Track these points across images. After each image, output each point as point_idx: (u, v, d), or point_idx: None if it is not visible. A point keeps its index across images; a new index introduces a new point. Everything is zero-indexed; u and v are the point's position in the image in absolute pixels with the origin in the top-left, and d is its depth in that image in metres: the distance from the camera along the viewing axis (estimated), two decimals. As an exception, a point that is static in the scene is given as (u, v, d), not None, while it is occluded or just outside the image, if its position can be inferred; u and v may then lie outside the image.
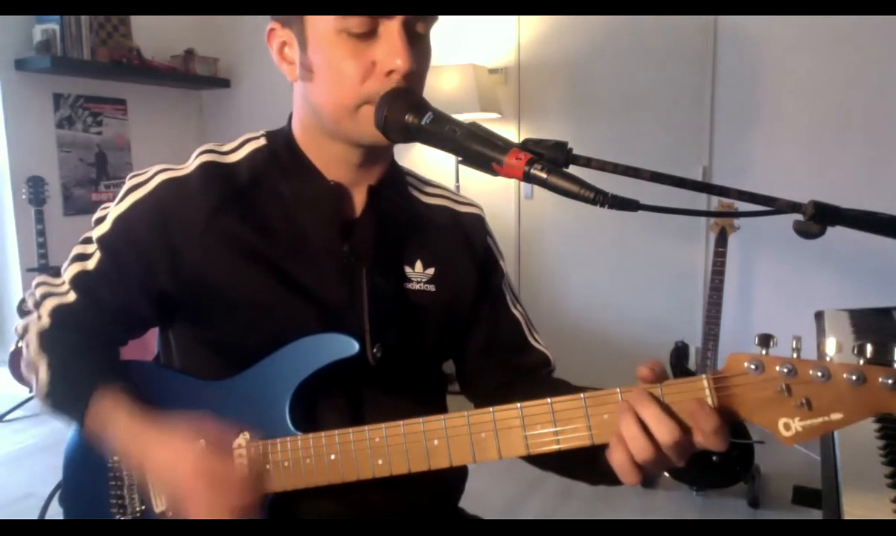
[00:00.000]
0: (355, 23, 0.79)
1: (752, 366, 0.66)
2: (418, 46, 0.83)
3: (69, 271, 0.93)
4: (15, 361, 3.33)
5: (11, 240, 3.57)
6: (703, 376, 0.68)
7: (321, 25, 0.81)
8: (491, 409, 0.74)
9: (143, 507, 0.90)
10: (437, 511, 1.00)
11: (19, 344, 0.97)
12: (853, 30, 2.85)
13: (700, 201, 3.06)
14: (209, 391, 0.89)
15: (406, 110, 0.78)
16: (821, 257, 3.00)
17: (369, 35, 0.80)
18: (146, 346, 1.01)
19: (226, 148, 0.94)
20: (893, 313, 1.68)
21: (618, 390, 0.70)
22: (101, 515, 0.92)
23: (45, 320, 0.94)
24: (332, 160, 0.90)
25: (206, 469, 0.79)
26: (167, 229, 0.88)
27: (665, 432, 0.67)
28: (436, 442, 0.76)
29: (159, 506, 0.89)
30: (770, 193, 0.68)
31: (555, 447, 0.71)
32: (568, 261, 3.60)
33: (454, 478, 1.03)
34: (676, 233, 3.33)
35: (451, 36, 3.61)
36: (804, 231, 0.67)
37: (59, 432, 3.16)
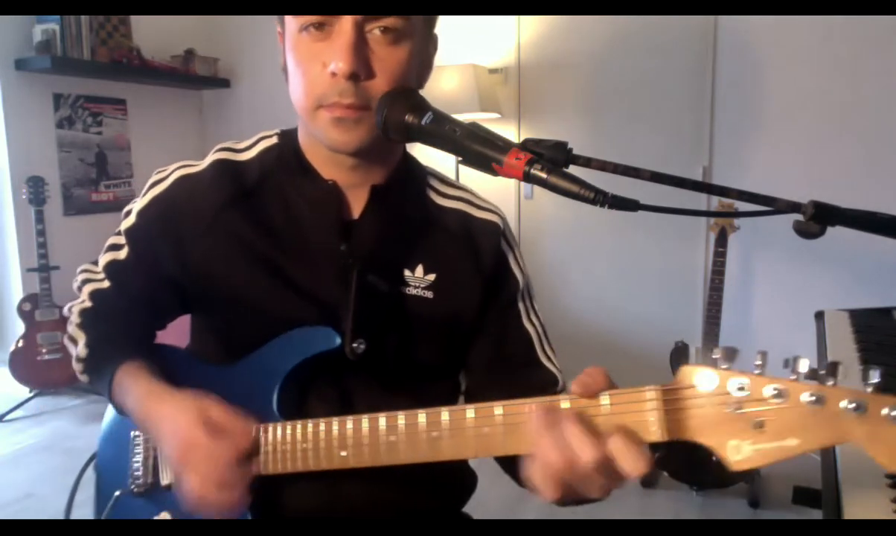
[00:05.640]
0: (310, 21, 0.80)
1: (704, 380, 0.61)
2: (382, 52, 0.81)
3: (103, 260, 0.99)
4: (15, 361, 3.34)
5: (11, 240, 3.57)
6: (651, 388, 0.62)
7: (291, 26, 0.84)
8: (447, 409, 0.73)
9: (153, 480, 0.95)
10: (435, 512, 1.00)
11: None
12: (853, 30, 2.85)
13: (700, 200, 3.06)
14: (212, 375, 0.94)
15: (406, 110, 0.78)
16: (821, 257, 3.00)
17: (325, 36, 0.81)
18: (184, 331, 1.06)
19: (241, 146, 0.97)
20: (893, 313, 1.68)
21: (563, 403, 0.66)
22: (122, 482, 0.98)
23: (87, 302, 1.00)
24: (327, 161, 0.91)
25: (205, 427, 0.81)
26: (177, 223, 0.92)
27: (586, 449, 0.62)
28: (392, 439, 0.76)
29: (165, 479, 0.94)
30: (770, 193, 0.68)
31: (502, 450, 0.70)
32: (568, 261, 3.60)
33: (458, 483, 1.03)
34: (676, 233, 3.33)
35: (451, 36, 3.61)
36: (804, 231, 0.66)
37: (59, 432, 3.17)
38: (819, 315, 1.68)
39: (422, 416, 0.74)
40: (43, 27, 3.46)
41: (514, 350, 0.97)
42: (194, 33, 4.25)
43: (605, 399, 0.64)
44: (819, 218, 0.65)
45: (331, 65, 0.80)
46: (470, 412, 0.71)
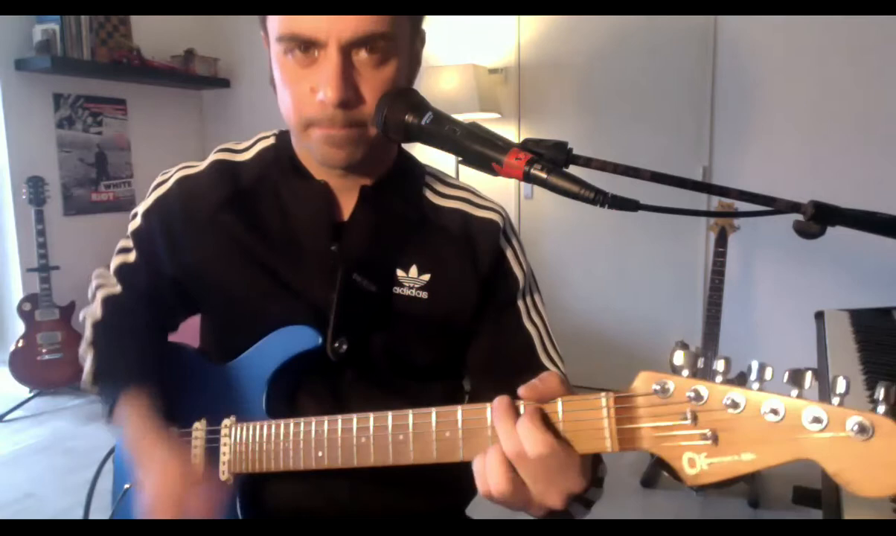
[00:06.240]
0: (293, 45, 0.79)
1: (659, 387, 0.57)
2: (370, 74, 0.80)
3: (114, 263, 1.01)
4: (15, 361, 3.34)
5: (11, 240, 3.57)
6: (604, 395, 0.60)
7: (275, 47, 0.83)
8: (413, 412, 0.72)
9: None
10: (433, 514, 0.99)
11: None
12: (853, 30, 2.85)
13: (700, 200, 3.07)
14: (212, 374, 0.96)
15: (406, 110, 0.78)
16: (821, 258, 3.00)
17: (311, 61, 0.80)
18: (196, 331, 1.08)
19: (240, 147, 0.98)
20: (893, 313, 1.68)
21: (520, 405, 0.66)
22: (132, 476, 0.98)
23: (98, 312, 1.00)
24: (318, 166, 0.91)
25: (182, 507, 0.81)
26: (177, 223, 0.94)
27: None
28: (363, 440, 0.75)
29: None
30: (770, 193, 0.68)
31: (462, 456, 0.69)
32: (568, 261, 3.60)
33: (457, 484, 1.03)
34: (676, 233, 3.33)
35: (451, 36, 3.61)
36: (804, 231, 0.66)
37: (59, 432, 3.17)
38: (819, 315, 1.68)
39: (390, 418, 0.74)
40: (43, 27, 3.46)
41: (513, 352, 0.94)
42: (194, 33, 4.25)
43: (558, 406, 0.62)
44: (819, 218, 0.65)
45: (319, 93, 0.79)
46: (432, 415, 0.70)
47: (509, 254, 0.96)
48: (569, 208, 3.44)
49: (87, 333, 1.01)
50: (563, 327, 3.55)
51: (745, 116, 3.13)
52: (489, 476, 0.64)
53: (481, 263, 0.93)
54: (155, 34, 4.01)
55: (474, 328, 0.95)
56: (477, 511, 1.07)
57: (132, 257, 0.99)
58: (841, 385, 0.52)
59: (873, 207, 0.66)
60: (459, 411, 0.68)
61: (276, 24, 0.80)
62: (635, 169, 0.72)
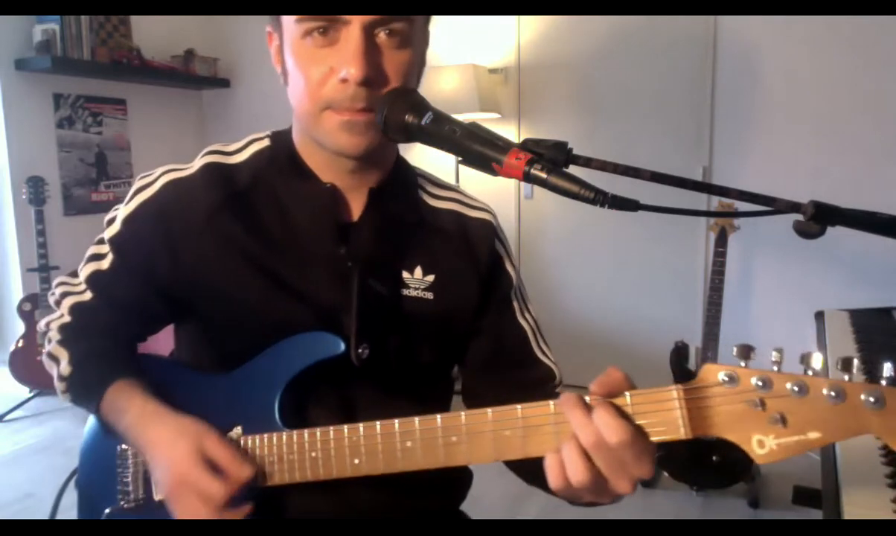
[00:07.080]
0: (313, 26, 0.79)
1: (726, 377, 0.63)
2: (390, 55, 0.80)
3: (85, 271, 0.96)
4: (15, 361, 3.33)
5: (11, 240, 3.57)
6: (674, 387, 0.65)
7: (291, 32, 0.82)
8: (465, 413, 0.73)
9: (144, 495, 0.92)
10: (435, 512, 0.99)
11: (41, 341, 0.99)
12: (853, 30, 2.85)
13: (700, 200, 3.06)
14: (208, 385, 0.92)
15: (406, 110, 0.78)
16: (821, 257, 3.00)
17: (331, 41, 0.79)
18: (167, 340, 1.04)
19: (231, 148, 0.95)
20: (893, 313, 1.68)
21: (586, 398, 0.68)
22: (110, 500, 0.94)
23: (66, 317, 0.96)
24: (325, 165, 0.90)
25: (201, 463, 0.79)
26: (168, 228, 0.90)
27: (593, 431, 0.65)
28: (409, 444, 0.75)
29: (158, 494, 0.91)
30: (770, 193, 0.68)
31: (521, 454, 0.71)
32: (568, 261, 3.60)
33: (455, 481, 1.03)
34: (676, 233, 3.33)
35: (451, 36, 3.61)
36: (804, 231, 0.66)
37: (59, 432, 3.17)
38: (819, 315, 1.68)
39: (438, 420, 0.74)
40: (43, 27, 3.46)
41: (510, 347, 0.98)
42: (194, 33, 4.25)
43: (626, 398, 0.66)
44: (819, 218, 0.65)
45: (342, 71, 0.78)
46: (489, 414, 0.72)
47: (503, 254, 0.99)
48: (569, 208, 3.44)
49: (54, 335, 0.96)
50: (563, 326, 3.56)
51: (745, 116, 3.13)
52: (570, 469, 0.66)
53: (481, 264, 0.96)
54: (155, 34, 4.01)
55: (475, 326, 0.96)
56: (477, 510, 1.07)
57: (107, 264, 0.94)
58: (888, 369, 0.59)
59: (873, 207, 0.66)
60: (519, 408, 0.71)
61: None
62: (635, 169, 0.72)
